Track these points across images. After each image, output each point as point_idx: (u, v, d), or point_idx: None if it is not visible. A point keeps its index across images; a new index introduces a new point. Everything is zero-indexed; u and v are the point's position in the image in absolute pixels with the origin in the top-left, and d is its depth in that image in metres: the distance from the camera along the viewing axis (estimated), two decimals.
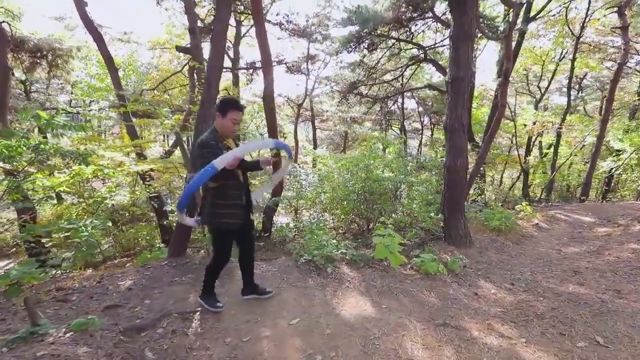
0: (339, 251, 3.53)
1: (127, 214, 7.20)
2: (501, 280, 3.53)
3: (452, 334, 2.37)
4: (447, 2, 3.77)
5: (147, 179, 6.18)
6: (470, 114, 12.35)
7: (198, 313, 2.52)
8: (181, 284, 3.02)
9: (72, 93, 11.42)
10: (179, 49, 4.69)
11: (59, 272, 3.70)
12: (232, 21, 12.27)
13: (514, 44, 10.91)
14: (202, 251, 3.97)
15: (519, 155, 11.54)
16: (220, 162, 2.01)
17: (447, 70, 4.22)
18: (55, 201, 6.66)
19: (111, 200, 5.23)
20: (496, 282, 3.47)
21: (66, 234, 3.74)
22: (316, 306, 2.67)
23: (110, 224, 4.30)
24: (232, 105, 2.30)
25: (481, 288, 3.31)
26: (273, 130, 4.98)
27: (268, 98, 4.72)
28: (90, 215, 5.24)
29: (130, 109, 5.37)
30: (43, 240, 3.79)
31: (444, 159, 4.68)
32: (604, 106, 8.67)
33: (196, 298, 2.75)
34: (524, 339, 2.33)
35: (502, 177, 15.33)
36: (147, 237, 6.85)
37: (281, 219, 7.45)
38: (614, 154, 9.93)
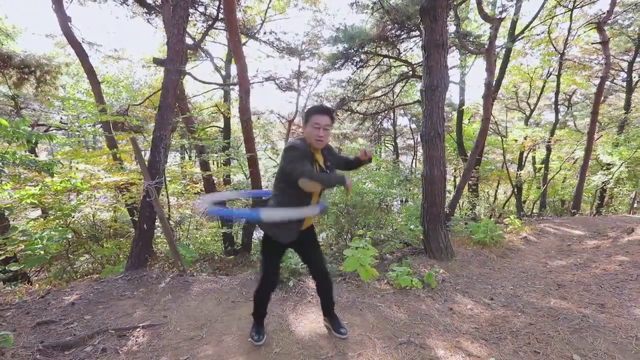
0: None
1: (109, 229, 7.00)
2: (480, 294, 3.30)
3: (415, 352, 2.15)
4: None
5: (125, 191, 6.01)
6: (461, 130, 12.46)
7: (138, 329, 2.30)
8: (130, 298, 2.80)
9: (63, 109, 11.46)
10: (157, 61, 4.67)
11: (9, 287, 3.47)
12: (223, 40, 12.55)
13: (500, 61, 11.17)
14: (159, 264, 3.75)
15: (507, 170, 11.48)
16: (268, 215, 1.82)
17: (422, 79, 4.17)
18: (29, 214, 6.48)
19: (79, 212, 5.03)
20: (474, 296, 3.24)
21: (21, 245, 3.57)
22: (270, 322, 2.45)
23: (70, 235, 4.10)
24: (314, 110, 1.95)
25: (457, 303, 3.09)
26: (249, 141, 4.88)
27: (243, 109, 4.66)
28: (68, 229, 5.05)
29: (105, 119, 5.29)
30: None
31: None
32: (590, 119, 8.68)
33: (142, 313, 2.54)
34: (493, 358, 2.11)
35: (496, 192, 15.21)
36: (126, 252, 6.62)
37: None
38: (604, 168, 9.87)
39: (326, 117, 1.92)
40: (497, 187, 15.61)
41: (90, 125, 9.34)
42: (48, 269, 6.27)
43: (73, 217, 5.22)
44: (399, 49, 11.06)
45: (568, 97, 15.78)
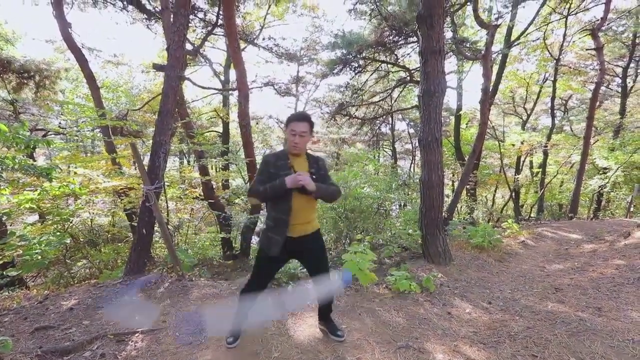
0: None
1: (107, 234, 6.98)
2: (478, 298, 3.32)
3: (413, 356, 2.16)
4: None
5: (123, 196, 6.01)
6: (459, 135, 12.54)
7: (137, 334, 2.30)
8: (130, 303, 2.80)
9: (62, 114, 11.50)
10: (156, 66, 4.71)
11: (7, 292, 3.46)
12: (223, 45, 12.64)
13: (497, 67, 11.30)
14: (158, 268, 3.75)
15: (505, 175, 11.55)
16: None
17: (419, 84, 4.22)
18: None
19: (77, 217, 5.01)
20: (473, 300, 3.26)
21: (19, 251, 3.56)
22: (269, 327, 2.46)
23: (68, 241, 4.09)
24: (291, 117, 1.99)
25: (456, 307, 3.10)
26: (248, 145, 4.91)
27: (242, 114, 4.69)
28: (66, 234, 5.03)
29: (104, 124, 5.32)
30: None
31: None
32: (586, 124, 8.78)
33: (141, 318, 2.54)
34: None
35: (494, 196, 15.27)
36: (124, 257, 6.60)
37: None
38: (600, 172, 9.95)
39: (301, 124, 1.94)
40: (495, 191, 15.67)
41: (89, 130, 9.38)
42: (45, 274, 6.24)
43: (71, 222, 5.21)
44: (396, 55, 11.17)
45: (564, 102, 15.95)
